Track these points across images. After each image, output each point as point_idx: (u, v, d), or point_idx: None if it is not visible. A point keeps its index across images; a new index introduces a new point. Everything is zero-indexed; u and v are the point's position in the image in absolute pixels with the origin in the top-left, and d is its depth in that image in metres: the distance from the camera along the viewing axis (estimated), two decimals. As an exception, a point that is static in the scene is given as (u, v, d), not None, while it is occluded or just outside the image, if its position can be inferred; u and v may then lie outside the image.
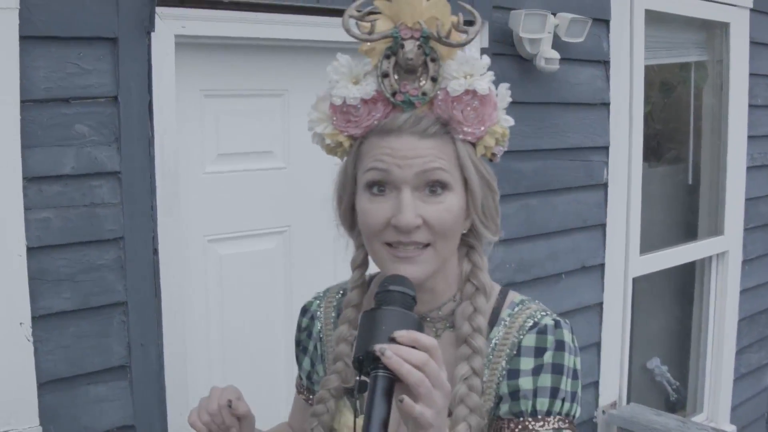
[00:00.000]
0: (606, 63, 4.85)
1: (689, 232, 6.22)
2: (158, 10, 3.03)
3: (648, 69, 5.23)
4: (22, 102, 2.77)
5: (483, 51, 4.11)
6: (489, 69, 1.82)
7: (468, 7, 1.86)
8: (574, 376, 1.83)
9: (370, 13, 1.86)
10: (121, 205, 3.03)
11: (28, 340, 2.83)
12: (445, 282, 1.90)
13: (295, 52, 3.62)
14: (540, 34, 4.21)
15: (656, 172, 6.03)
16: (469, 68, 1.80)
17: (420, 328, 1.57)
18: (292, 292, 3.76)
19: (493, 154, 1.87)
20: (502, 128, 1.84)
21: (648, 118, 5.40)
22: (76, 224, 2.93)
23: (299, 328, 2.23)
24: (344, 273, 3.91)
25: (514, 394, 1.81)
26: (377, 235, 1.80)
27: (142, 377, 3.14)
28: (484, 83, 1.78)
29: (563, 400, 1.80)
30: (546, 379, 1.79)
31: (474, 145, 1.83)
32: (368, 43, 1.84)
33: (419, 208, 1.75)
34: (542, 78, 4.42)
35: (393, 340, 1.51)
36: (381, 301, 1.64)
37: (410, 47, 1.78)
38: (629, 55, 4.96)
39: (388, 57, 1.82)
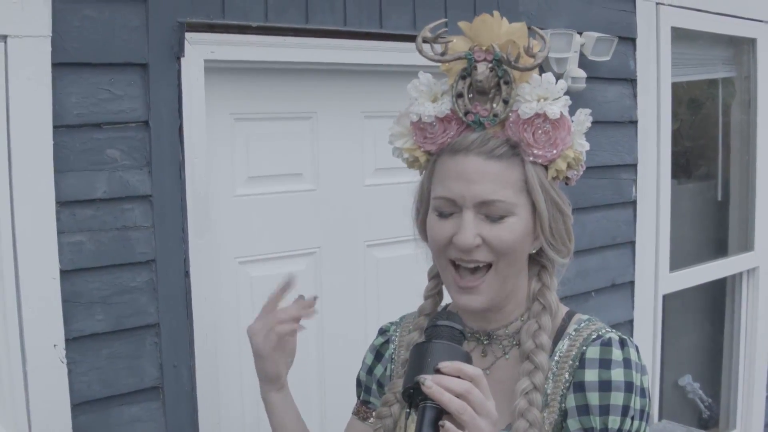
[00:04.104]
0: (633, 81, 4.85)
1: (719, 249, 6.20)
2: (187, 35, 3.07)
3: (675, 86, 5.23)
4: (55, 127, 2.81)
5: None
6: (565, 93, 1.85)
7: (539, 31, 1.88)
8: (642, 394, 1.83)
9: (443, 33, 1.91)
10: (152, 228, 3.06)
11: (62, 362, 2.86)
12: (514, 301, 1.94)
13: (324, 75, 3.65)
14: (566, 53, 4.22)
15: (686, 189, 6.01)
16: (543, 91, 1.83)
17: (468, 361, 1.62)
18: (322, 312, 3.75)
19: (567, 178, 1.92)
20: (574, 152, 1.87)
21: (676, 135, 5.39)
22: (108, 247, 2.96)
23: (371, 347, 2.26)
24: (373, 294, 3.94)
25: (582, 409, 1.81)
26: (442, 251, 1.87)
27: (175, 398, 3.17)
28: (555, 108, 1.81)
29: (632, 419, 1.80)
30: (617, 397, 1.79)
31: (546, 167, 1.86)
32: (447, 63, 1.90)
33: (480, 228, 1.81)
34: (569, 97, 4.43)
35: (438, 371, 1.56)
36: (430, 336, 1.68)
37: (482, 69, 1.83)
38: (656, 72, 4.96)
39: (463, 78, 1.87)
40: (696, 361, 6.30)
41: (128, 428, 3.07)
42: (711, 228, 6.29)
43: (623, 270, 4.96)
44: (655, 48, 4.94)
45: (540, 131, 1.82)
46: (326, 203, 3.75)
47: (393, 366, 2.15)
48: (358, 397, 2.27)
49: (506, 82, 1.84)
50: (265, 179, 3.56)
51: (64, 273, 2.86)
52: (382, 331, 2.25)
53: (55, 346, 2.84)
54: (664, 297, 5.23)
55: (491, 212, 1.80)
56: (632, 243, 4.98)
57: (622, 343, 1.85)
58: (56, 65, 2.79)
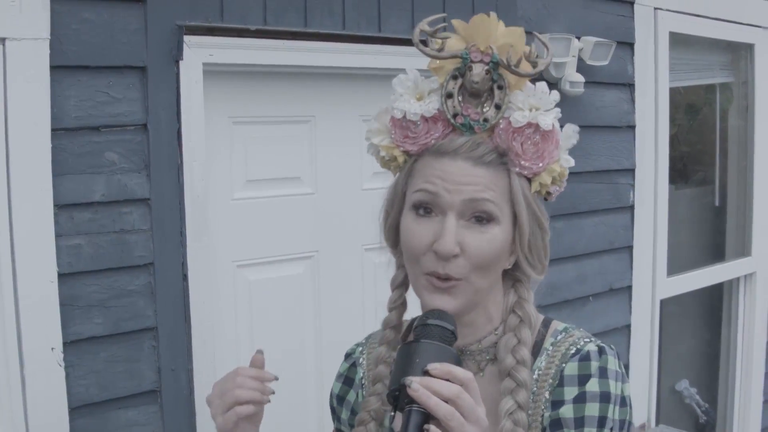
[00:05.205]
0: (631, 86, 4.85)
1: (717, 254, 6.20)
2: (186, 38, 3.07)
3: (673, 91, 5.23)
4: (53, 130, 2.81)
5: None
6: (557, 105, 1.76)
7: (541, 38, 1.83)
8: (623, 403, 1.74)
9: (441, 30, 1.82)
10: (150, 232, 3.06)
11: (60, 365, 2.86)
12: (485, 315, 1.83)
13: (322, 79, 3.65)
14: (564, 57, 4.23)
15: (683, 194, 6.02)
16: (535, 101, 1.74)
17: (458, 363, 1.53)
18: (320, 316, 3.78)
19: (548, 193, 1.82)
20: (560, 167, 1.78)
21: (674, 140, 5.40)
22: (106, 250, 2.96)
23: (338, 376, 2.12)
24: (371, 298, 3.94)
25: (556, 424, 1.72)
26: (417, 260, 1.74)
27: (173, 402, 3.16)
28: (548, 119, 1.72)
29: (611, 430, 1.71)
30: (593, 408, 1.70)
31: (529, 180, 1.77)
32: (437, 61, 1.80)
33: (461, 236, 1.69)
34: (567, 101, 4.43)
35: (426, 373, 1.48)
36: (419, 335, 1.59)
37: (478, 71, 1.74)
38: (654, 77, 4.96)
39: (455, 78, 1.77)
40: (693, 366, 6.30)
41: (126, 432, 3.07)
42: (708, 233, 6.29)
43: (621, 275, 4.96)
44: (653, 53, 4.94)
45: (529, 142, 1.73)
46: (324, 207, 3.75)
47: (365, 392, 2.01)
48: (334, 422, 2.16)
49: (500, 87, 1.74)
50: (264, 183, 3.56)
51: (62, 276, 2.86)
52: (348, 355, 2.12)
53: (53, 349, 2.84)
54: (662, 302, 5.24)
55: (478, 212, 1.70)
56: (630, 248, 4.98)
57: (600, 352, 1.76)
58: (54, 68, 2.80)
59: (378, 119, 1.89)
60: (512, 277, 1.86)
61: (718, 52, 5.91)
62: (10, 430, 2.80)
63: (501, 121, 1.75)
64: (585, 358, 1.75)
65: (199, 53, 3.13)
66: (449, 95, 1.77)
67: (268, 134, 3.56)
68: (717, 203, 6.25)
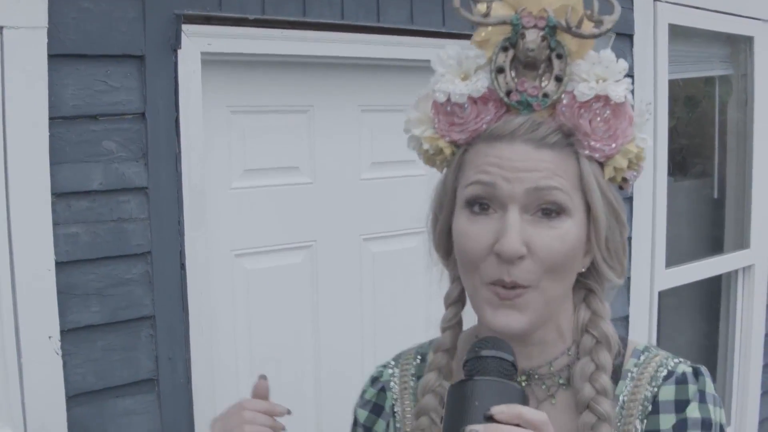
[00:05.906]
0: (630, 78, 4.83)
1: (715, 246, 6.20)
2: (184, 27, 3.06)
3: (672, 83, 5.22)
4: (51, 119, 2.80)
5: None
6: (627, 75, 1.52)
7: None
8: (721, 430, 1.55)
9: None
10: (148, 220, 3.05)
11: (57, 354, 2.86)
12: (557, 332, 1.58)
13: (321, 69, 3.64)
14: (563, 48, 4.21)
15: (682, 187, 6.01)
16: (602, 71, 1.50)
17: (525, 401, 1.29)
18: (318, 306, 3.78)
19: (624, 180, 1.56)
20: (637, 148, 1.53)
21: (673, 132, 5.39)
22: (104, 239, 2.96)
23: (363, 402, 1.81)
24: (369, 287, 3.94)
25: None
26: (476, 268, 1.48)
27: (170, 391, 3.16)
28: (619, 89, 1.48)
29: None
30: None
31: (602, 165, 1.52)
32: (482, 33, 1.54)
33: (527, 233, 1.43)
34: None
35: (490, 419, 1.23)
36: (472, 371, 1.34)
37: (532, 37, 1.48)
38: (653, 69, 4.95)
39: (505, 49, 1.51)
40: (691, 358, 6.21)
41: (123, 420, 3.07)
42: (707, 225, 6.28)
43: (619, 266, 4.94)
44: (653, 45, 4.93)
45: (598, 118, 1.48)
46: (322, 197, 3.75)
47: (397, 424, 1.74)
48: None
49: (559, 56, 1.49)
50: (262, 172, 3.56)
51: (59, 264, 2.86)
52: (374, 379, 1.81)
53: (50, 337, 2.84)
54: (660, 293, 5.23)
55: (546, 203, 1.44)
56: (628, 239, 4.96)
57: (696, 374, 1.57)
58: (53, 56, 2.79)
59: (418, 107, 1.61)
60: (583, 286, 1.61)
61: (717, 45, 5.90)
62: (7, 419, 2.81)
63: (563, 95, 1.50)
64: (681, 380, 1.56)
65: (197, 42, 3.13)
66: (500, 70, 1.52)
67: (266, 124, 3.56)
68: (716, 195, 6.24)
